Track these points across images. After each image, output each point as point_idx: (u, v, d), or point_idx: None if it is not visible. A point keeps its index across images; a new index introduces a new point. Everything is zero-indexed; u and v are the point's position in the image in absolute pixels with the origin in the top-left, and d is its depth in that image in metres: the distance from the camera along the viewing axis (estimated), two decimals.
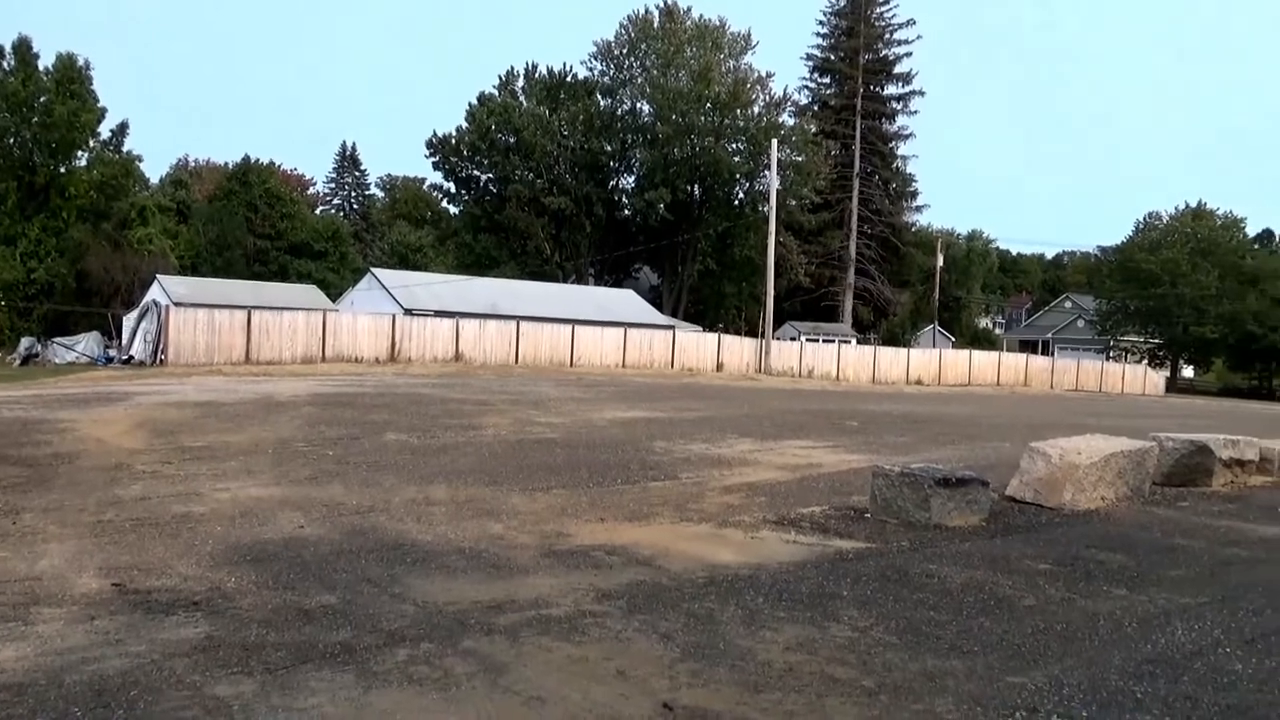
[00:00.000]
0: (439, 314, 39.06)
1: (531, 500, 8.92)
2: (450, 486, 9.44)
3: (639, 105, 62.46)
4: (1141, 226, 75.89)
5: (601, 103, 62.62)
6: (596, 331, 41.25)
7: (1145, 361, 71.11)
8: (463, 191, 65.26)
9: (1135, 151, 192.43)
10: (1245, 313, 63.00)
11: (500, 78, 63.75)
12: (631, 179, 64.46)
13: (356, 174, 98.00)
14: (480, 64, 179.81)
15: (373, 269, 49.13)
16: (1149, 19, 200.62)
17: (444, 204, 74.43)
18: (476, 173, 63.40)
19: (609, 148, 61.85)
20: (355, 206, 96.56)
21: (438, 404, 18.47)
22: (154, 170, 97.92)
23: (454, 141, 61.91)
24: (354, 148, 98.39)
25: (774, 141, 48.23)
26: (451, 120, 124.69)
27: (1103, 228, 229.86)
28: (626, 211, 64.38)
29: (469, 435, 13.81)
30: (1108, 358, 71.30)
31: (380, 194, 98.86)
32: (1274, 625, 5.82)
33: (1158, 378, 63.44)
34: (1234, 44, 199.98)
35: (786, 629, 5.26)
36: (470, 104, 62.42)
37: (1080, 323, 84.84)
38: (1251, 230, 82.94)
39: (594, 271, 64.51)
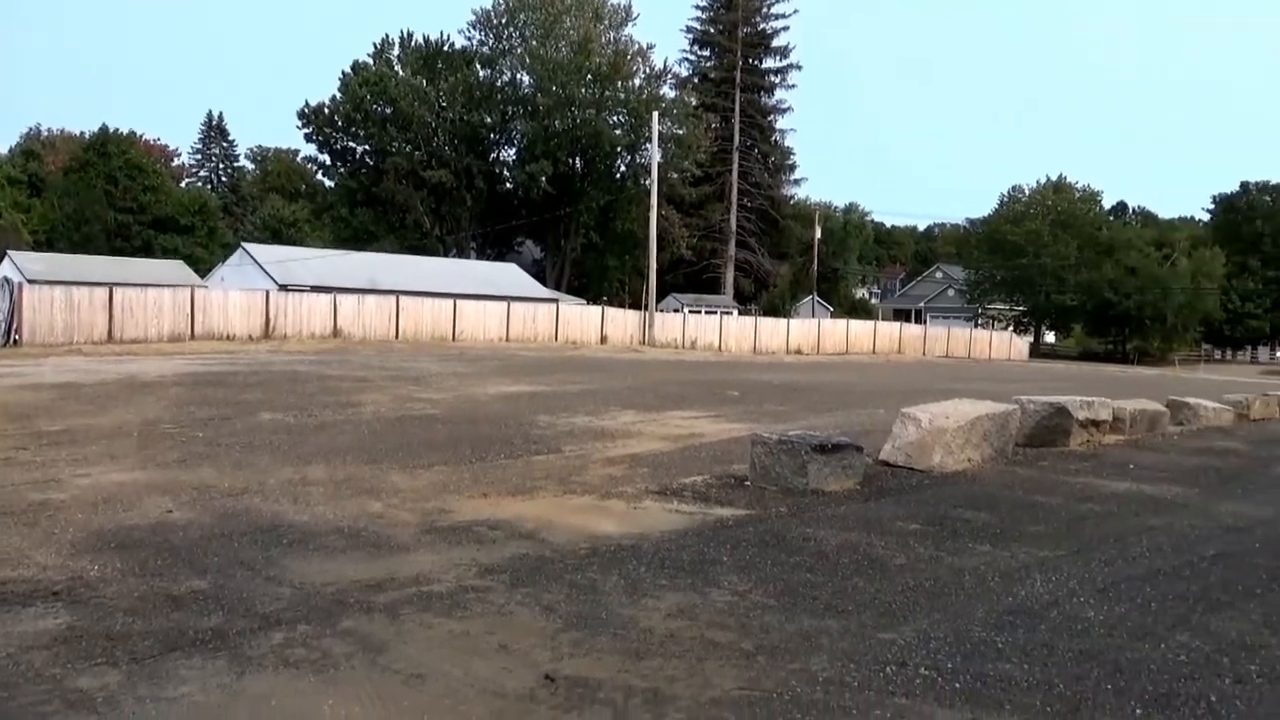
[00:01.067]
0: (315, 289, 38.03)
1: (413, 477, 8.79)
2: (328, 466, 9.24)
3: (519, 76, 61.79)
4: (1006, 199, 78.94)
5: (481, 73, 61.64)
6: (479, 306, 40.82)
7: (1011, 328, 74.36)
8: (338, 164, 63.53)
9: (1001, 126, 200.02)
10: (1102, 281, 66.49)
11: (375, 45, 62.15)
12: (513, 151, 63.86)
13: (224, 145, 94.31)
14: (353, 31, 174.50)
15: (244, 244, 47.49)
16: (1015, 2, 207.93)
17: (319, 176, 72.41)
18: (352, 144, 61.80)
19: (489, 119, 61.02)
20: (224, 179, 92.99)
21: (315, 381, 18.01)
22: (1, 141, 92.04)
23: (327, 112, 60.14)
24: (221, 117, 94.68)
25: (655, 114, 48.32)
26: (325, 90, 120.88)
27: (971, 200, 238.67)
28: (508, 184, 63.71)
29: (348, 413, 13.52)
30: (976, 325, 74.25)
31: (251, 166, 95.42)
32: (1123, 574, 6.19)
33: (1022, 344, 66.39)
34: (1091, 28, 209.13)
35: (668, 596, 5.34)
36: (344, 73, 60.75)
37: (951, 292, 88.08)
38: (1107, 203, 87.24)
39: (476, 245, 63.72)
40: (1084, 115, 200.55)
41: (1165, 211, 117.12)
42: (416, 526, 6.87)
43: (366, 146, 61.02)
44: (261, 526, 6.74)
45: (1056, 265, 68.95)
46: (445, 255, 57.95)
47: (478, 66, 61.55)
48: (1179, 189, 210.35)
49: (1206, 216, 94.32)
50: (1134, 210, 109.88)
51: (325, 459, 9.59)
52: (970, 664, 4.44)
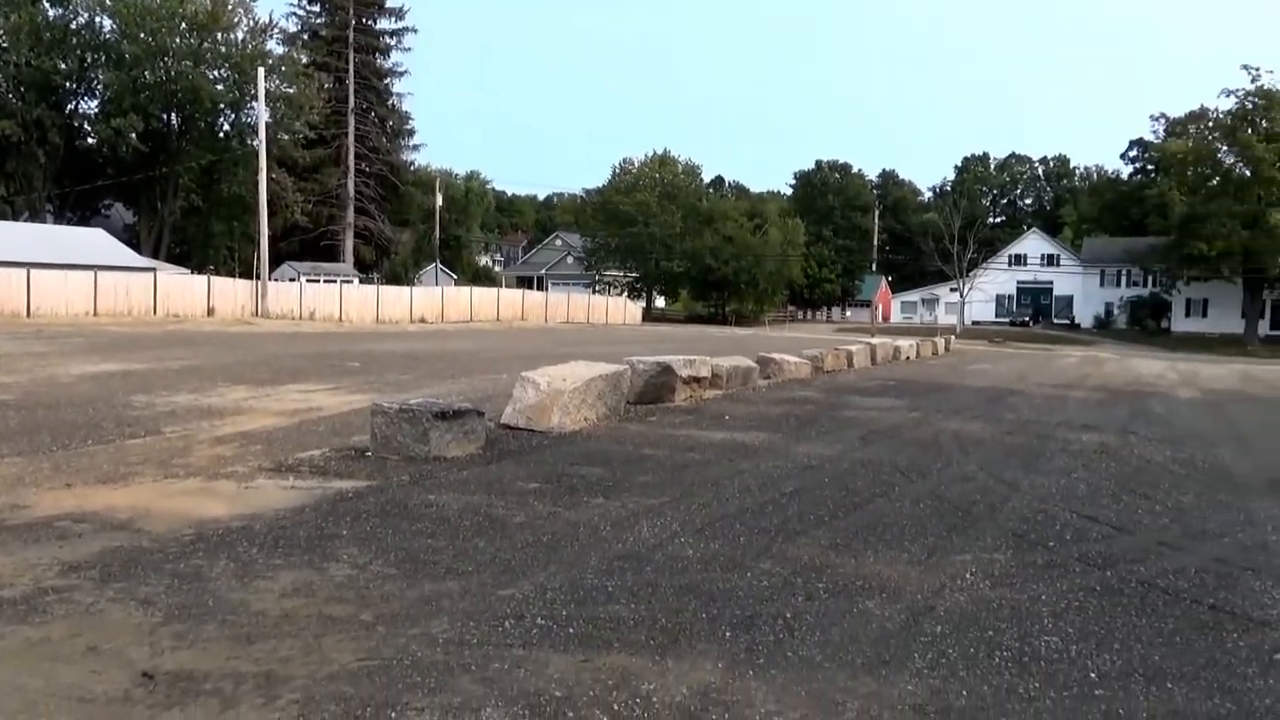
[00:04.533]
0: None
1: None
2: None
3: (99, 20, 55.14)
4: (618, 171, 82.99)
5: (50, 12, 54.29)
6: (59, 276, 36.34)
7: (625, 294, 78.53)
8: None
9: (610, 101, 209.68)
10: (703, 249, 72.09)
11: None
12: (95, 103, 56.96)
13: None
14: None
15: None
16: None
17: None
18: None
19: (64, 66, 53.97)
20: None
21: None
22: None
23: None
24: None
25: (260, 70, 45.40)
26: None
27: (587, 171, 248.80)
28: (90, 140, 56.84)
29: None
30: (594, 291, 77.57)
31: None
32: (718, 514, 6.83)
33: (636, 308, 70.48)
34: (688, 17, 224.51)
35: (283, 576, 5.13)
36: None
37: (570, 259, 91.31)
38: (706, 176, 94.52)
39: (53, 208, 56.39)
40: (685, 93, 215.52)
41: (756, 185, 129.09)
42: None
43: None
44: None
45: (664, 234, 73.73)
46: (15, 219, 50.72)
47: (46, 4, 54.16)
48: (767, 165, 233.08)
49: (790, 190, 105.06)
50: (730, 184, 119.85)
51: None
52: (583, 609, 4.70)
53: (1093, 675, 4.13)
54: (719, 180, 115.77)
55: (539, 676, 3.89)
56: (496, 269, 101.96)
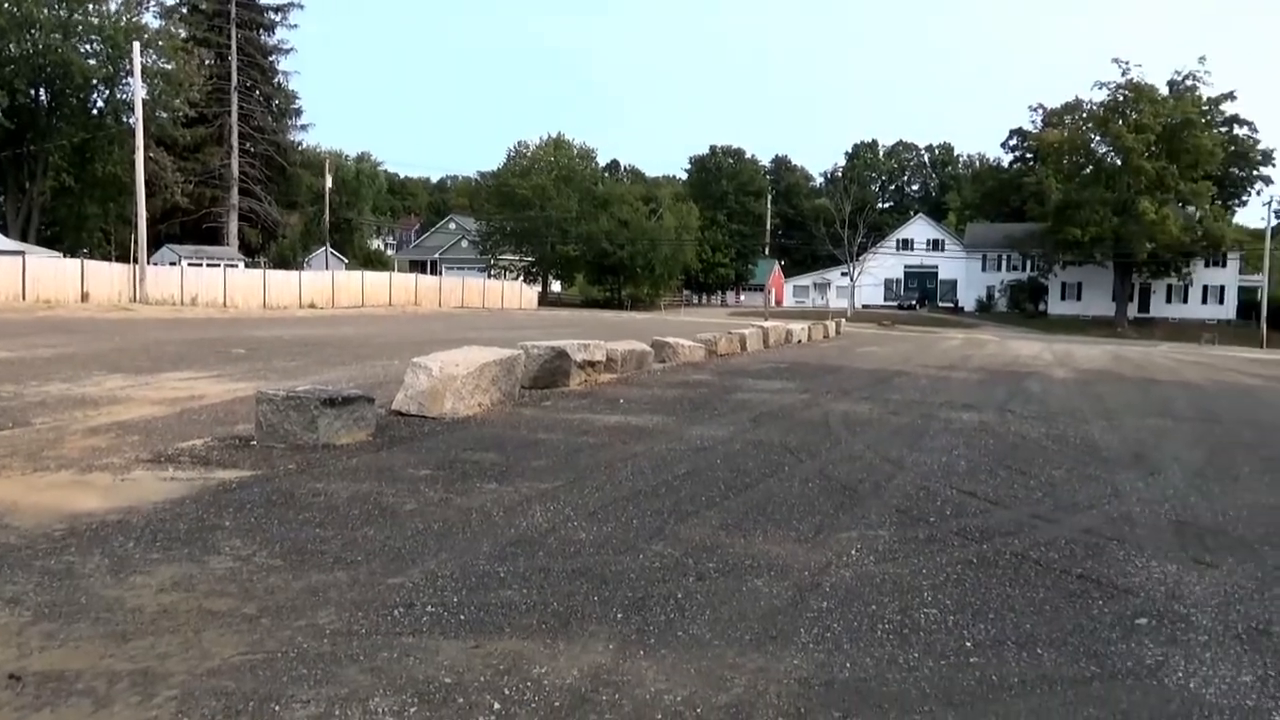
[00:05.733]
0: None
1: None
2: None
3: None
4: (513, 154, 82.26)
5: None
6: None
7: (521, 278, 78.04)
8: None
9: (505, 82, 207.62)
10: (599, 233, 72.15)
11: None
12: None
13: None
14: None
15: None
16: None
17: None
18: None
19: None
20: None
21: None
22: None
23: None
24: None
25: (136, 44, 43.49)
26: None
27: (481, 153, 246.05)
28: None
29: None
30: (489, 275, 76.85)
31: None
32: (611, 497, 6.85)
33: (532, 293, 70.13)
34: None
35: (161, 570, 4.96)
36: None
37: (464, 243, 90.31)
38: (602, 160, 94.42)
39: None
40: (580, 76, 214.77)
41: (651, 170, 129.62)
42: None
43: None
44: None
45: (560, 218, 73.48)
46: None
47: None
48: (662, 149, 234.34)
49: (685, 175, 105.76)
50: (625, 168, 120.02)
51: None
52: (475, 596, 4.68)
53: (968, 644, 4.30)
54: (614, 164, 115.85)
55: (428, 664, 3.86)
56: (389, 253, 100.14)
